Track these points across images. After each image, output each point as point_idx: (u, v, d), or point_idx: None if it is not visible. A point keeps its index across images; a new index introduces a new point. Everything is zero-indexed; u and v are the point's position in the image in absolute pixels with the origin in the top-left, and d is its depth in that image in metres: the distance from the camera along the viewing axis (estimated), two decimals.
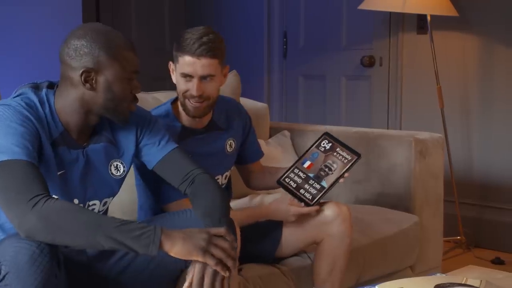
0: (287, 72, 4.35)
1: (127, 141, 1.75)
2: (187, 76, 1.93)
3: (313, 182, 2.01)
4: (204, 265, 1.51)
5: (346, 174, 2.01)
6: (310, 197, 1.99)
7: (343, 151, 2.05)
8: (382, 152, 2.69)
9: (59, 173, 1.61)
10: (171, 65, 2.01)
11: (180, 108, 2.01)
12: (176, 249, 1.47)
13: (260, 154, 2.27)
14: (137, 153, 1.77)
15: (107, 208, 1.79)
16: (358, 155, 2.04)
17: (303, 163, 2.05)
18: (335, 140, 2.08)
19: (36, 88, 1.66)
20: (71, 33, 1.65)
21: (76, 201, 1.66)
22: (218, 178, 2.09)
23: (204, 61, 1.90)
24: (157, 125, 1.80)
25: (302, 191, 2.00)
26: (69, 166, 1.64)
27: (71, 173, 1.65)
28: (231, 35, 4.38)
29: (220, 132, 2.10)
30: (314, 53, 4.18)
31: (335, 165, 2.03)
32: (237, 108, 2.21)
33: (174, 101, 2.05)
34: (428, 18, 3.33)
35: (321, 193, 1.99)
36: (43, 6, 3.15)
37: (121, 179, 1.75)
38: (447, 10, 3.29)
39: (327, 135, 2.10)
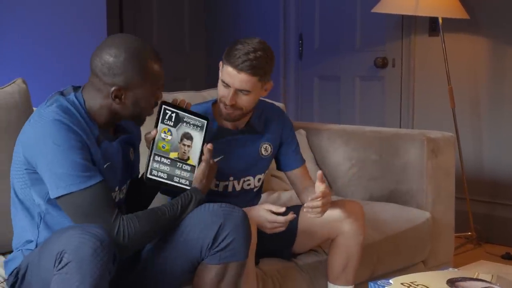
0: (302, 73, 4.39)
1: (137, 131, 1.89)
2: (225, 84, 1.96)
3: (181, 164, 1.81)
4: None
5: (208, 145, 1.83)
6: (188, 182, 1.81)
7: (191, 119, 1.84)
8: (395, 150, 2.72)
9: (105, 166, 1.70)
10: (220, 65, 2.01)
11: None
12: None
13: (294, 164, 2.18)
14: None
15: None
16: (207, 118, 1.88)
17: (161, 147, 1.78)
18: (175, 108, 1.83)
19: (63, 94, 1.72)
20: (105, 46, 1.68)
21: (116, 188, 1.76)
22: (249, 180, 2.13)
23: (243, 76, 1.92)
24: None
25: (176, 179, 1.80)
26: (112, 158, 1.73)
27: (115, 164, 1.74)
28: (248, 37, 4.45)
29: (255, 135, 2.11)
30: (329, 54, 4.22)
31: (192, 136, 1.83)
32: (278, 114, 2.19)
33: (216, 101, 2.08)
34: (440, 20, 3.37)
35: (195, 173, 1.82)
36: (68, 7, 3.19)
37: (135, 162, 1.89)
38: (458, 13, 3.32)
39: (165, 104, 1.80)
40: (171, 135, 1.80)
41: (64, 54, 3.18)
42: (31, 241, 1.71)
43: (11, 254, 1.78)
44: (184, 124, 1.83)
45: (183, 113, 1.83)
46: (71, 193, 1.59)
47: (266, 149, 2.13)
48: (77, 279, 1.45)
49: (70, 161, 1.59)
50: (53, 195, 1.62)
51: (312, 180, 2.16)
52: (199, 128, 1.85)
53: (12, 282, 1.70)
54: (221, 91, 1.99)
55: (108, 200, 1.63)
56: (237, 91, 1.95)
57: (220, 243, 1.70)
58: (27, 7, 3.07)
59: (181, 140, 1.81)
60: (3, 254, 1.98)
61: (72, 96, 1.70)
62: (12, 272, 1.71)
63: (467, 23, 3.47)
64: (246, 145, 2.10)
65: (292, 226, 2.08)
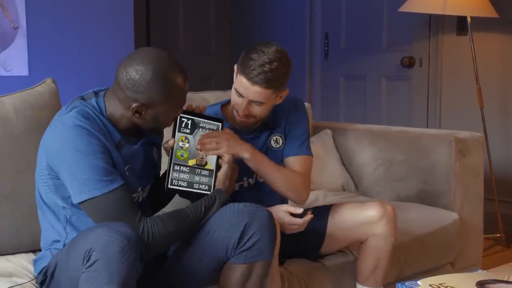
0: (328, 72, 4.39)
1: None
2: (239, 94, 1.93)
3: (200, 170, 1.82)
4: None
5: None
6: (207, 187, 1.82)
7: (206, 123, 1.85)
8: (423, 150, 2.71)
9: (126, 169, 1.72)
10: (235, 69, 1.98)
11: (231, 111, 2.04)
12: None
13: (290, 151, 2.07)
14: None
15: None
16: (221, 120, 1.88)
17: (180, 155, 1.80)
18: (191, 114, 1.84)
19: (83, 99, 1.73)
20: (133, 61, 1.66)
21: (139, 188, 1.78)
22: None
23: (257, 88, 1.89)
24: None
25: (196, 185, 1.81)
26: (134, 160, 1.75)
27: (136, 166, 1.76)
28: (274, 37, 4.46)
29: (266, 129, 2.07)
30: (355, 54, 4.21)
31: None
32: (289, 105, 2.09)
33: (227, 103, 2.08)
34: (468, 19, 3.35)
35: (213, 177, 1.83)
36: (96, 6, 3.23)
37: (158, 160, 1.91)
38: (487, 11, 3.29)
39: (181, 112, 1.82)
40: (188, 142, 1.81)
41: (92, 54, 3.22)
42: (59, 241, 1.74)
43: (40, 253, 1.81)
44: (200, 129, 1.84)
45: (199, 119, 1.84)
46: (94, 197, 1.61)
47: (276, 141, 2.08)
48: (105, 277, 1.47)
49: (92, 165, 1.60)
50: (76, 200, 1.64)
51: (307, 175, 2.05)
52: (215, 130, 1.87)
53: (41, 280, 1.73)
54: (234, 99, 1.96)
55: (131, 203, 1.65)
56: (251, 102, 1.92)
57: (245, 242, 1.70)
58: (57, 8, 3.13)
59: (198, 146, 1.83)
60: (33, 251, 2.01)
61: (93, 101, 1.71)
62: (41, 270, 1.74)
63: (496, 22, 3.44)
64: (256, 141, 2.05)
65: (321, 228, 2.07)
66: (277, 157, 2.10)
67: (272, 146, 2.08)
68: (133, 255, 1.49)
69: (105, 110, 1.71)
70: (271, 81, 1.89)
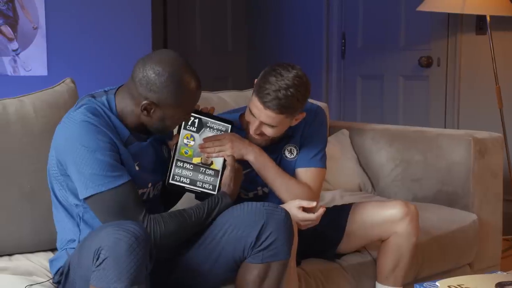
0: (345, 72, 4.38)
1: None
2: (252, 114, 1.91)
3: (204, 169, 1.81)
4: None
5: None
6: (211, 187, 1.81)
7: (214, 124, 1.84)
8: (440, 151, 2.70)
9: (136, 164, 1.74)
10: (253, 88, 1.95)
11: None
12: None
13: (302, 162, 2.02)
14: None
15: None
16: (231, 123, 1.87)
17: (184, 152, 1.79)
18: (198, 113, 1.84)
19: (93, 97, 1.76)
20: (152, 60, 1.69)
21: (149, 184, 1.79)
22: None
23: (270, 113, 1.86)
24: None
25: (199, 184, 1.80)
26: (142, 157, 1.77)
27: (146, 162, 1.78)
28: (291, 36, 4.47)
29: (281, 139, 2.04)
30: (372, 53, 4.20)
31: None
32: (309, 115, 2.04)
33: (244, 113, 2.05)
34: (488, 18, 3.33)
35: (219, 178, 1.82)
36: (114, 8, 3.25)
37: (168, 157, 1.89)
38: (507, 10, 3.27)
39: None
40: (194, 140, 1.81)
41: (111, 54, 3.25)
42: (74, 240, 1.76)
43: (56, 253, 1.83)
44: (208, 129, 1.84)
45: (206, 118, 1.84)
46: (100, 193, 1.64)
47: (291, 151, 2.04)
48: (115, 275, 1.49)
49: (98, 161, 1.63)
50: (82, 195, 1.66)
51: (314, 189, 2.01)
52: (223, 132, 1.85)
53: (57, 280, 1.76)
54: (248, 116, 1.95)
55: (136, 200, 1.67)
56: (263, 123, 1.91)
57: (262, 242, 1.71)
58: (76, 9, 3.16)
59: None
60: (52, 250, 2.04)
61: (103, 98, 1.74)
62: (58, 271, 1.76)
63: None
64: (271, 151, 2.01)
65: (340, 225, 2.07)
66: (291, 168, 2.06)
67: (286, 157, 2.06)
68: (141, 252, 1.51)
69: (115, 107, 1.73)
70: (284, 108, 1.86)
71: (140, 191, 1.76)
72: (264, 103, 1.86)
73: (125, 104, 1.73)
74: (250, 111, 1.92)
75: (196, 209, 1.74)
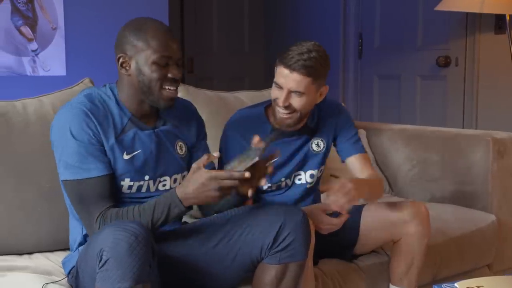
0: (362, 72, 4.38)
1: (188, 126, 1.90)
2: (279, 86, 1.95)
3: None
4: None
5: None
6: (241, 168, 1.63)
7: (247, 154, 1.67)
8: (459, 151, 2.68)
9: (130, 154, 1.74)
10: (275, 67, 2.00)
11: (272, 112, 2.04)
12: (195, 203, 1.68)
13: (349, 151, 2.10)
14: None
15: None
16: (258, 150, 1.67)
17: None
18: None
19: (96, 88, 1.81)
20: None
21: (147, 177, 1.78)
22: (300, 175, 2.12)
23: (296, 76, 1.90)
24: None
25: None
26: (142, 146, 1.77)
27: (144, 152, 1.77)
28: (308, 36, 4.43)
29: (307, 133, 2.08)
30: (389, 53, 4.19)
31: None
32: (333, 108, 2.14)
33: (269, 105, 2.08)
34: (507, 18, 3.30)
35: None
36: (132, 10, 3.27)
37: (185, 158, 1.88)
38: None
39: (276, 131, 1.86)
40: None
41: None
42: (81, 242, 1.79)
43: (68, 254, 1.85)
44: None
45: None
46: (65, 180, 1.72)
47: (318, 144, 2.10)
48: (118, 275, 1.49)
49: (74, 150, 1.68)
50: (61, 177, 1.74)
51: (373, 170, 2.11)
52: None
53: (70, 282, 1.78)
54: (274, 94, 1.97)
55: (99, 196, 1.69)
56: (290, 92, 1.93)
57: (280, 243, 1.70)
58: (94, 9, 3.18)
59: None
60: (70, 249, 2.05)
61: (106, 87, 1.80)
62: (70, 271, 1.78)
63: None
64: (297, 145, 2.07)
65: (354, 227, 2.07)
66: (318, 161, 2.11)
67: (313, 150, 2.10)
68: (142, 251, 1.51)
69: (117, 94, 1.78)
70: (309, 68, 1.90)
71: (136, 184, 1.76)
72: (289, 66, 1.90)
73: (122, 90, 1.77)
74: (276, 85, 1.95)
75: (143, 212, 1.67)
